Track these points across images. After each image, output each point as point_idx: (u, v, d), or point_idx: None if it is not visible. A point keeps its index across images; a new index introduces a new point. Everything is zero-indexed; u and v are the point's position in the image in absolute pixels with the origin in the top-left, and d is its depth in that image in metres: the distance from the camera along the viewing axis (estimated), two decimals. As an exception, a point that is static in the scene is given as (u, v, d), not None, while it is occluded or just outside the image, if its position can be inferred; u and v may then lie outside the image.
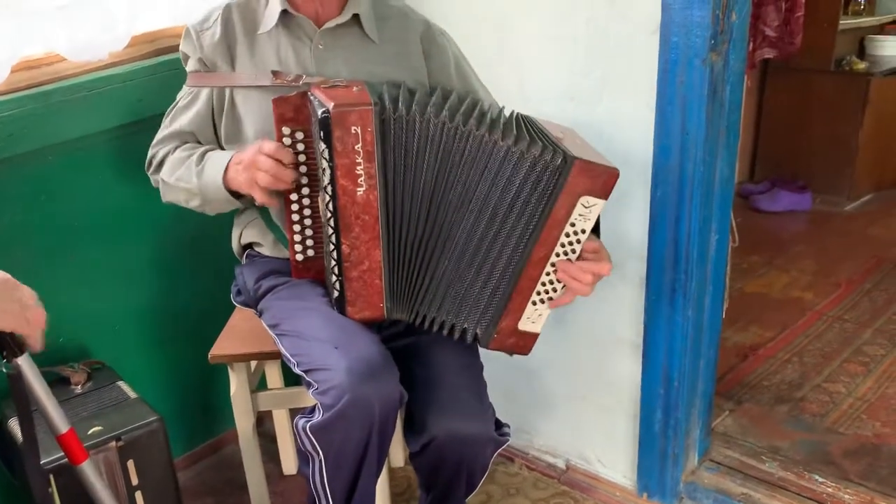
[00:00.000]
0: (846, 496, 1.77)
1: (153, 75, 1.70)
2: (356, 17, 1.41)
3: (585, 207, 1.25)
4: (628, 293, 1.70)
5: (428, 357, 1.40)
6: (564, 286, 1.32)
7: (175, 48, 1.47)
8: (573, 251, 1.29)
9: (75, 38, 1.61)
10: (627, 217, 1.63)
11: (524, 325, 1.34)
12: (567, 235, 1.27)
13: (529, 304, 1.32)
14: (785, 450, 1.95)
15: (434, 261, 1.33)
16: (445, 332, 1.36)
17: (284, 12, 1.39)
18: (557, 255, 1.29)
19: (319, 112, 1.23)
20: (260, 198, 1.34)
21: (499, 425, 1.42)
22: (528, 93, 1.70)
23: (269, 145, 1.31)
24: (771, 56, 3.07)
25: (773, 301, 2.79)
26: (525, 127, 1.32)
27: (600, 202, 1.25)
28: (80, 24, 1.61)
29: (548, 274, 1.30)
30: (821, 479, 1.82)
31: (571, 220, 1.26)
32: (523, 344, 1.37)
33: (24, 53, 1.58)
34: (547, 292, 1.32)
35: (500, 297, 1.32)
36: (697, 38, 1.43)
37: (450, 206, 1.30)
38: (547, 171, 1.23)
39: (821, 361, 2.40)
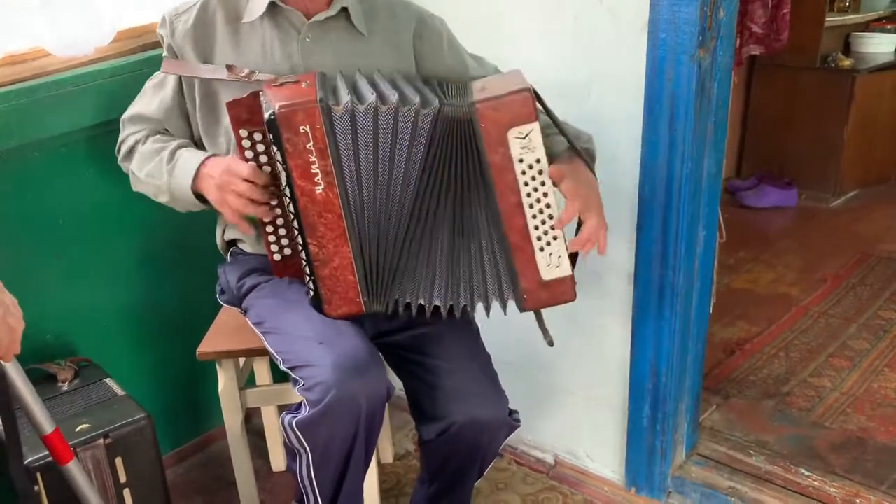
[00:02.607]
0: (832, 489, 1.78)
1: (139, 71, 1.68)
2: (345, 10, 1.41)
3: (521, 138, 1.20)
4: (616, 288, 1.70)
5: (441, 346, 1.40)
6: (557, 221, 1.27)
7: (161, 44, 1.47)
8: (542, 183, 1.23)
9: (61, 33, 1.60)
10: (615, 212, 1.63)
11: (547, 274, 1.27)
12: (524, 173, 1.23)
13: (537, 253, 1.27)
14: (771, 444, 1.97)
15: (412, 247, 1.31)
16: (457, 314, 1.33)
17: (272, 4, 1.38)
18: (529, 194, 1.24)
19: (266, 114, 1.20)
20: (230, 219, 1.32)
21: (510, 411, 1.43)
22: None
23: (242, 168, 1.29)
24: (757, 53, 3.09)
25: (760, 296, 2.81)
26: (440, 87, 1.30)
27: (533, 125, 1.20)
28: (65, 19, 1.60)
29: (534, 217, 1.25)
30: (807, 473, 1.83)
31: (517, 157, 1.21)
32: (561, 291, 1.29)
33: (9, 48, 1.57)
34: (546, 233, 1.26)
35: (503, 262, 1.28)
36: (685, 34, 1.44)
37: (407, 188, 1.27)
38: (452, 124, 1.22)
39: (807, 356, 2.42)
